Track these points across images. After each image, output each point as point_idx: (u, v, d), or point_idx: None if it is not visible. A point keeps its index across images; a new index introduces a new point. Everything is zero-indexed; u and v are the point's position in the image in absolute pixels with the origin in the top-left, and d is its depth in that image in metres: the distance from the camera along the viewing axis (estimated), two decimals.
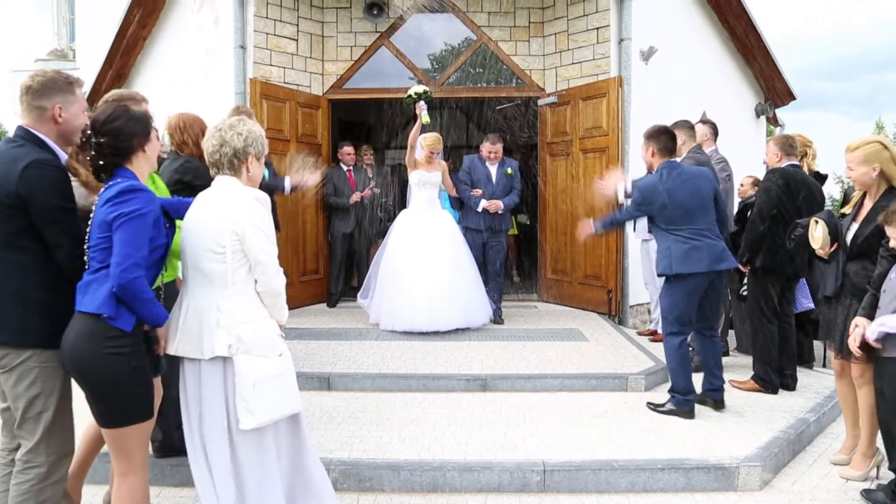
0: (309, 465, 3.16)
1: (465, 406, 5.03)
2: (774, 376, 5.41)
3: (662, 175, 4.77)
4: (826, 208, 5.09)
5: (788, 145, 5.39)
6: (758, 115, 11.67)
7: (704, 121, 6.63)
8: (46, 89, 2.89)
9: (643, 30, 8.03)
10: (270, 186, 5.47)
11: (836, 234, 4.03)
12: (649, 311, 7.90)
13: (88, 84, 9.46)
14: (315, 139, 8.56)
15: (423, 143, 7.07)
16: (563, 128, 8.42)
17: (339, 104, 9.17)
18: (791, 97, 11.78)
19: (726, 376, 5.30)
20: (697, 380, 5.00)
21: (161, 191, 3.68)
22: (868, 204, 3.94)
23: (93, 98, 9.11)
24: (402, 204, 7.57)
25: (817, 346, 6.61)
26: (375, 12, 8.54)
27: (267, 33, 8.09)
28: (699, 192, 4.78)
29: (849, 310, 3.91)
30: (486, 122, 12.92)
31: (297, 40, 8.42)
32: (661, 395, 5.24)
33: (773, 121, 12.53)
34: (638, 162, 7.45)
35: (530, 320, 7.64)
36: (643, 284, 7.48)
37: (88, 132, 2.76)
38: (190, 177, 4.36)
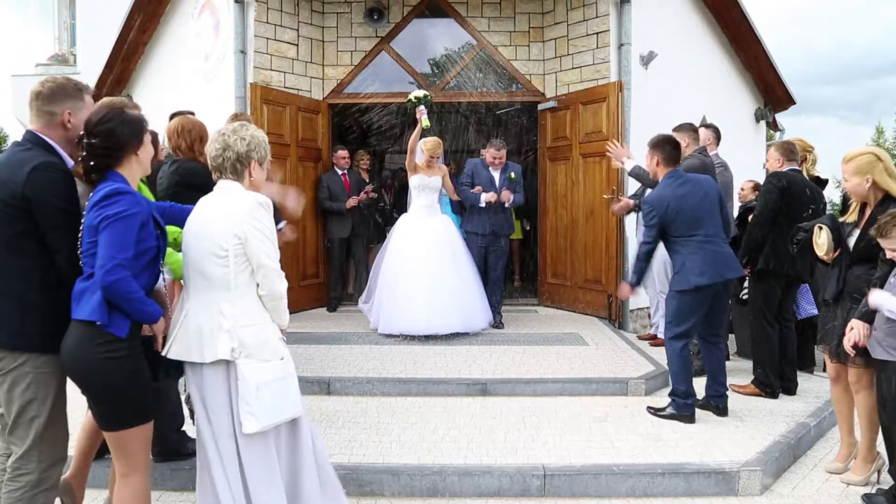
0: (305, 468, 3.15)
1: (465, 410, 5.02)
2: (775, 380, 5.41)
3: (668, 184, 4.79)
4: (827, 213, 5.11)
5: (789, 151, 5.44)
6: (757, 120, 11.69)
7: (706, 125, 6.64)
8: (56, 95, 2.92)
9: (643, 35, 8.04)
10: None
11: (839, 239, 4.03)
12: (649, 316, 7.89)
13: (90, 86, 9.49)
14: (315, 143, 8.57)
15: (423, 147, 7.07)
16: (563, 132, 8.43)
17: (338, 108, 9.19)
18: (791, 102, 11.81)
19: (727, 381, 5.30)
20: (698, 383, 4.99)
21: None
22: (868, 211, 3.95)
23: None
24: (404, 208, 7.56)
25: (818, 350, 6.61)
26: (376, 17, 8.56)
27: (267, 38, 8.10)
28: (707, 197, 4.81)
29: (848, 314, 3.91)
30: (486, 127, 12.93)
31: (297, 45, 8.44)
32: (662, 399, 5.23)
33: (772, 125, 12.56)
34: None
35: (530, 324, 7.64)
36: (643, 289, 7.47)
37: (80, 132, 2.76)
38: (184, 177, 4.35)
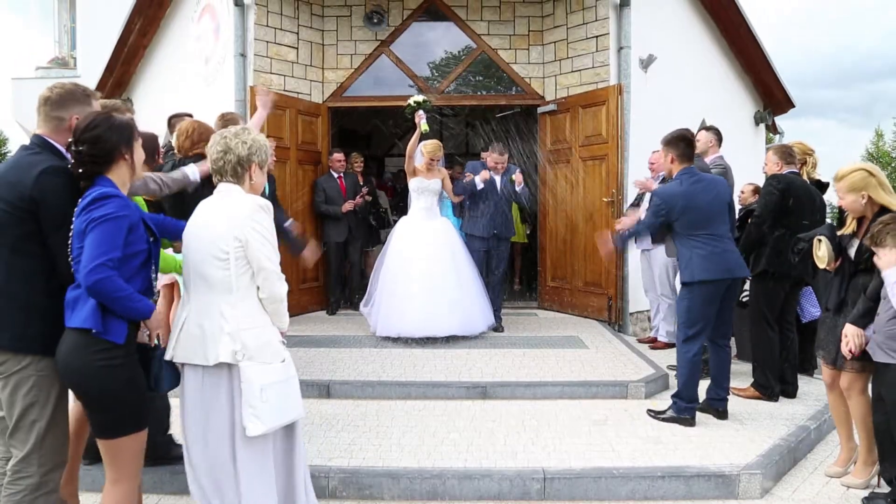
0: (298, 471, 3.15)
1: (465, 414, 5.02)
2: (775, 383, 5.41)
3: (682, 181, 4.80)
4: (827, 216, 5.11)
5: (787, 154, 5.46)
6: (757, 123, 11.70)
7: (707, 127, 6.64)
8: (65, 100, 2.95)
9: (642, 38, 8.06)
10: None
11: (839, 249, 4.04)
12: (649, 319, 7.89)
13: (98, 92, 9.51)
14: (315, 147, 8.58)
15: (423, 149, 7.07)
16: (563, 135, 8.44)
17: (339, 112, 9.19)
18: (790, 105, 11.82)
19: (742, 386, 5.32)
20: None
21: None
22: (867, 223, 3.95)
23: None
24: (405, 211, 7.55)
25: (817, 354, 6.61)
26: (375, 21, 8.57)
27: (267, 41, 8.11)
28: (719, 197, 4.83)
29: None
30: (486, 130, 12.94)
31: (297, 48, 8.45)
32: (662, 402, 5.23)
33: (772, 128, 12.57)
34: (637, 169, 7.50)
35: (530, 328, 7.64)
36: (643, 292, 7.48)
37: (70, 140, 2.76)
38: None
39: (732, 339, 6.84)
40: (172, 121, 5.65)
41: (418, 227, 7.01)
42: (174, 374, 3.01)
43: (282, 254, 3.07)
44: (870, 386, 3.95)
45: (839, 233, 4.09)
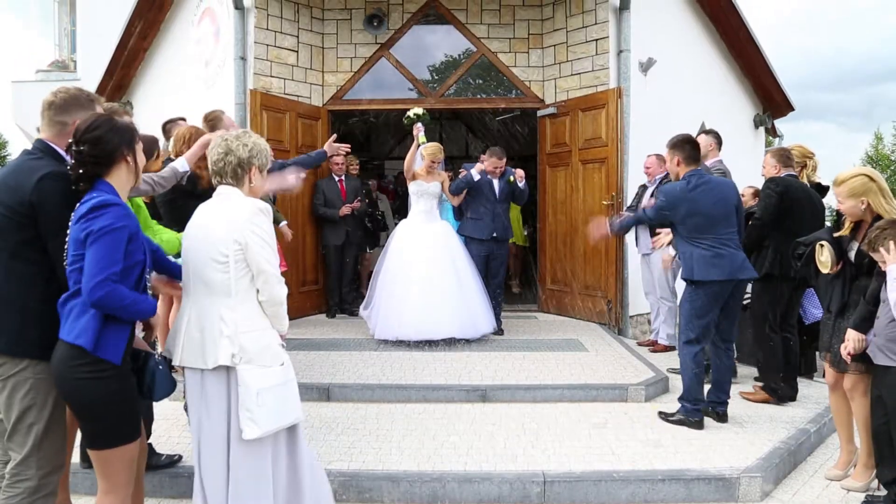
0: (304, 473, 3.15)
1: (465, 417, 5.01)
2: (783, 385, 5.39)
3: (689, 183, 4.79)
4: (826, 220, 5.11)
5: (785, 157, 5.47)
6: (756, 126, 11.71)
7: (707, 131, 6.65)
8: (68, 105, 2.95)
9: (642, 41, 8.07)
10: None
11: (841, 253, 4.04)
12: (649, 322, 7.89)
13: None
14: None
15: (423, 152, 7.08)
16: (563, 139, 8.45)
17: (339, 115, 9.20)
18: (789, 108, 11.84)
19: (735, 388, 5.30)
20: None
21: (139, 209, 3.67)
22: (865, 225, 3.95)
23: None
24: (405, 214, 7.54)
25: (818, 356, 6.60)
26: (375, 24, 8.58)
27: (267, 45, 8.12)
28: (724, 201, 4.82)
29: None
30: (486, 133, 12.95)
31: (297, 51, 8.46)
32: (662, 405, 5.24)
33: (771, 131, 12.58)
34: (636, 172, 7.51)
35: (530, 331, 7.64)
36: (643, 294, 7.48)
37: (70, 140, 2.73)
38: (183, 185, 4.34)
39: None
40: (167, 126, 5.67)
41: (418, 230, 7.01)
42: (170, 381, 2.97)
43: (282, 257, 3.08)
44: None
45: (836, 235, 4.10)
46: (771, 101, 11.57)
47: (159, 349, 4.00)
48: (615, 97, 7.76)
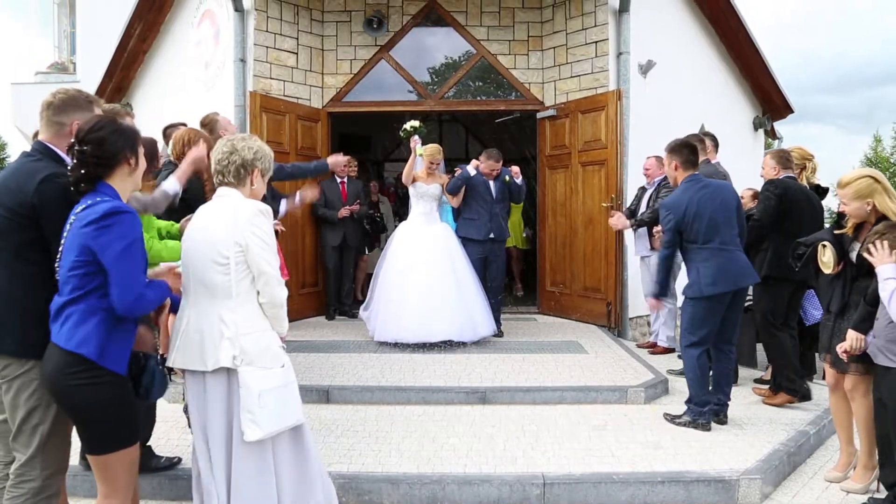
0: (314, 474, 3.16)
1: (465, 419, 5.01)
2: (800, 382, 5.34)
3: (687, 188, 4.79)
4: (825, 222, 5.11)
5: (785, 159, 5.47)
6: (756, 128, 11.72)
7: (704, 133, 6.66)
8: (66, 106, 2.96)
9: (641, 44, 8.08)
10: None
11: (842, 253, 4.05)
12: (649, 324, 7.89)
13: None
14: (314, 152, 8.58)
15: (423, 153, 7.08)
16: (562, 141, 8.45)
17: (338, 117, 9.20)
18: (789, 110, 11.84)
19: (742, 392, 5.28)
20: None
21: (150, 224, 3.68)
22: (868, 226, 3.95)
23: None
24: (406, 216, 7.54)
25: (818, 358, 6.60)
26: (375, 26, 8.58)
27: (267, 47, 8.12)
28: (725, 204, 4.81)
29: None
30: (485, 135, 12.95)
31: (297, 54, 8.46)
32: (661, 407, 5.24)
33: (770, 133, 12.59)
34: (636, 174, 7.51)
35: (530, 332, 7.64)
36: (643, 297, 7.48)
37: (72, 140, 2.71)
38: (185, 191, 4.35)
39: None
40: (168, 131, 5.68)
41: (417, 232, 7.01)
42: (164, 382, 2.96)
43: (283, 265, 3.08)
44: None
45: (837, 232, 4.10)
46: (770, 103, 11.57)
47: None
48: (615, 99, 7.76)
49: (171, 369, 3.05)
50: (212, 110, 5.43)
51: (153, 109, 9.50)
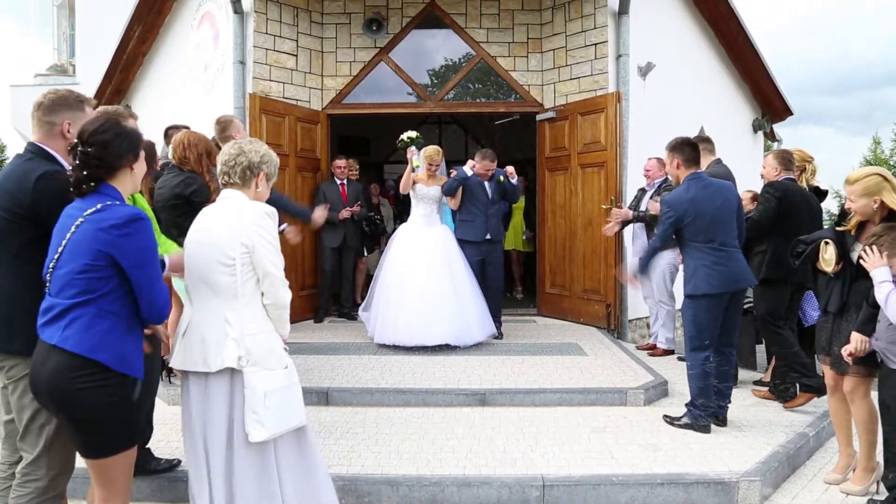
0: (320, 475, 3.16)
1: (464, 421, 5.01)
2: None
3: (690, 186, 4.78)
4: (824, 225, 5.10)
5: (787, 160, 5.47)
6: (755, 130, 11.74)
7: (702, 138, 6.66)
8: (57, 106, 2.98)
9: (641, 46, 8.08)
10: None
11: (843, 253, 4.05)
12: (648, 326, 7.90)
13: (93, 99, 9.55)
14: (314, 154, 8.59)
15: (422, 154, 7.08)
16: (562, 143, 8.45)
17: (338, 119, 9.20)
18: (788, 112, 11.87)
19: (740, 393, 5.26)
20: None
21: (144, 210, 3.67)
22: (871, 227, 3.95)
23: None
24: (406, 220, 7.52)
25: (817, 359, 6.59)
26: (375, 28, 8.59)
27: (266, 49, 8.13)
28: (727, 203, 4.81)
29: (852, 325, 3.91)
30: (484, 137, 12.95)
31: (296, 56, 8.47)
32: (660, 409, 5.24)
33: (770, 135, 12.61)
34: (636, 176, 7.51)
35: (529, 334, 7.63)
36: (642, 298, 7.49)
37: (75, 141, 2.69)
38: (190, 191, 4.40)
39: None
40: (170, 132, 5.70)
41: (417, 235, 7.00)
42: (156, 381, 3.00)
43: (284, 252, 3.09)
44: (874, 393, 3.96)
45: (839, 230, 4.09)
46: (770, 105, 11.59)
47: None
48: (614, 101, 7.77)
49: (169, 372, 3.06)
50: (211, 112, 5.46)
51: (152, 111, 9.50)
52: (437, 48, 8.95)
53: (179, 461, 4.09)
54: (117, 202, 2.65)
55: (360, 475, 4.04)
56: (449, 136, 13.78)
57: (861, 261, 3.70)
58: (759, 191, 5.91)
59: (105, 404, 2.57)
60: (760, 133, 11.93)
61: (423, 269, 6.74)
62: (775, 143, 12.85)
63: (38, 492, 2.80)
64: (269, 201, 3.22)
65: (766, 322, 5.40)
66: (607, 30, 7.98)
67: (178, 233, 4.42)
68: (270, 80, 8.17)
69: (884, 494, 3.82)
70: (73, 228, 2.59)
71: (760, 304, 5.45)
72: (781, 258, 5.15)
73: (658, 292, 6.98)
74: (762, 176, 5.69)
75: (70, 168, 2.81)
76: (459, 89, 8.93)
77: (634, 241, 7.26)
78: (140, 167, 2.83)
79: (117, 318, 2.60)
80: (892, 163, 33.96)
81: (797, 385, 5.42)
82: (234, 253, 2.90)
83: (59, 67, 15.32)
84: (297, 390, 3.03)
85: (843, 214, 4.16)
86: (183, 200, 4.43)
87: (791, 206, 5.25)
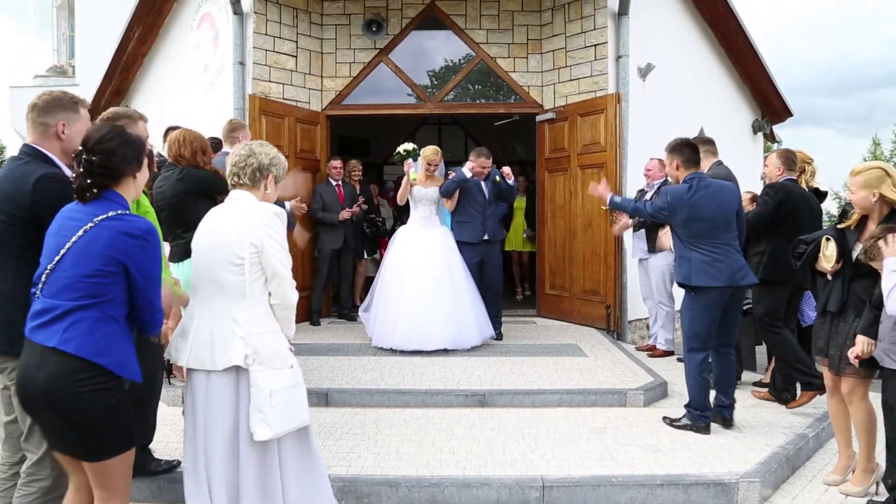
0: (323, 480, 3.18)
1: (464, 422, 5.01)
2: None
3: (691, 186, 4.77)
4: (823, 226, 5.10)
5: (790, 160, 5.45)
6: (755, 131, 11.74)
7: (702, 139, 6.66)
8: (51, 107, 2.99)
9: (640, 47, 8.09)
10: None
11: (843, 251, 4.05)
12: (648, 327, 7.90)
13: (87, 100, 9.56)
14: (314, 155, 8.59)
15: (421, 155, 7.07)
16: (561, 144, 8.46)
17: (337, 120, 9.20)
18: (788, 113, 11.87)
19: (739, 394, 5.26)
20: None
21: (147, 213, 3.68)
22: (871, 224, 3.95)
23: (92, 115, 9.10)
24: (405, 221, 7.51)
25: (816, 361, 6.59)
26: (374, 29, 8.59)
27: (266, 50, 8.13)
28: (725, 205, 4.79)
29: (850, 326, 3.92)
30: (484, 138, 12.95)
31: (296, 57, 8.47)
32: (660, 410, 5.24)
33: (770, 137, 12.61)
34: (636, 178, 7.52)
35: (529, 335, 7.63)
36: (642, 300, 7.49)
37: (79, 149, 2.66)
38: (193, 185, 4.41)
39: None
40: (170, 132, 5.71)
41: (416, 236, 6.99)
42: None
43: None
44: (873, 394, 3.96)
45: (840, 226, 4.09)
46: (769, 106, 11.59)
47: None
48: (614, 102, 7.77)
49: (169, 372, 3.07)
50: (211, 113, 5.49)
51: (152, 112, 9.41)
52: (437, 49, 8.95)
53: (179, 462, 4.09)
54: (127, 211, 2.65)
55: (360, 476, 4.04)
56: (448, 137, 13.78)
57: (881, 246, 3.65)
58: (758, 192, 5.91)
59: (104, 407, 2.54)
60: (760, 134, 11.93)
61: (423, 271, 6.72)
62: (775, 144, 12.86)
63: (43, 491, 2.82)
64: None
65: (764, 323, 5.40)
66: (607, 31, 7.98)
67: (182, 230, 4.43)
68: (270, 81, 8.17)
69: (883, 495, 3.83)
70: (80, 232, 2.54)
71: (759, 304, 5.45)
72: (779, 259, 5.15)
73: (657, 293, 6.99)
74: (763, 176, 5.67)
75: (67, 169, 2.83)
76: (459, 90, 8.93)
77: (635, 243, 7.25)
78: (143, 175, 2.81)
79: (118, 324, 2.60)
80: (892, 163, 33.97)
81: (797, 387, 5.42)
82: (243, 253, 2.93)
83: (58, 68, 15.32)
84: (301, 390, 3.06)
85: (844, 215, 4.16)
86: (188, 196, 4.45)
87: (791, 207, 5.25)
